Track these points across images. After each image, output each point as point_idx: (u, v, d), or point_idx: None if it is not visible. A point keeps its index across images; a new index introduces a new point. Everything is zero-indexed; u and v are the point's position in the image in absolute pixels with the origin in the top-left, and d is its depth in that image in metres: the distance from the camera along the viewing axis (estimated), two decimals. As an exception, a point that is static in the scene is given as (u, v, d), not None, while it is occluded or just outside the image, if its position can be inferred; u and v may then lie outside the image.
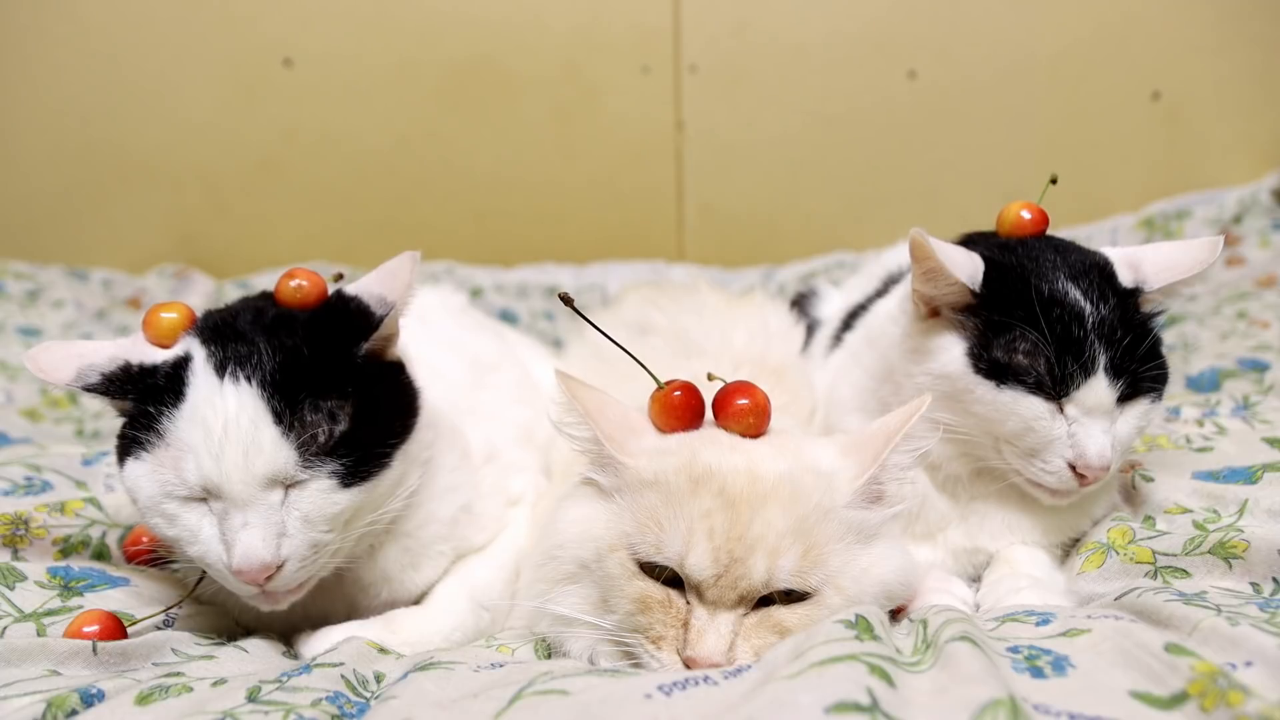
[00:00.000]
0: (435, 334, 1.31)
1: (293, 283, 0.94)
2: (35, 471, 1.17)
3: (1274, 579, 0.88)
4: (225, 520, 0.84)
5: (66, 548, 1.05)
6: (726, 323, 1.38)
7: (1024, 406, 0.95)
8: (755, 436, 0.90)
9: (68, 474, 1.19)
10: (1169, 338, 1.74)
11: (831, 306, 1.54)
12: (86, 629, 0.85)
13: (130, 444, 0.88)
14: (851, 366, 1.19)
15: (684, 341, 1.33)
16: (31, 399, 1.71)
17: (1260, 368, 1.51)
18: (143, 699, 0.72)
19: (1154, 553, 0.95)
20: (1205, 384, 1.51)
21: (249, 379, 0.86)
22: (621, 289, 2.06)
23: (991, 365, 0.96)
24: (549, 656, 0.92)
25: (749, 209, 2.60)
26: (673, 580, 0.82)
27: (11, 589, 0.92)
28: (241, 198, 2.57)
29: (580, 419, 0.89)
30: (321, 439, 0.87)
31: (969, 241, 1.07)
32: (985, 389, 0.96)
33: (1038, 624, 0.79)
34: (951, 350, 0.99)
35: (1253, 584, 0.88)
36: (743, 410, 0.90)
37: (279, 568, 0.85)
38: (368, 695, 0.79)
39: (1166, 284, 1.00)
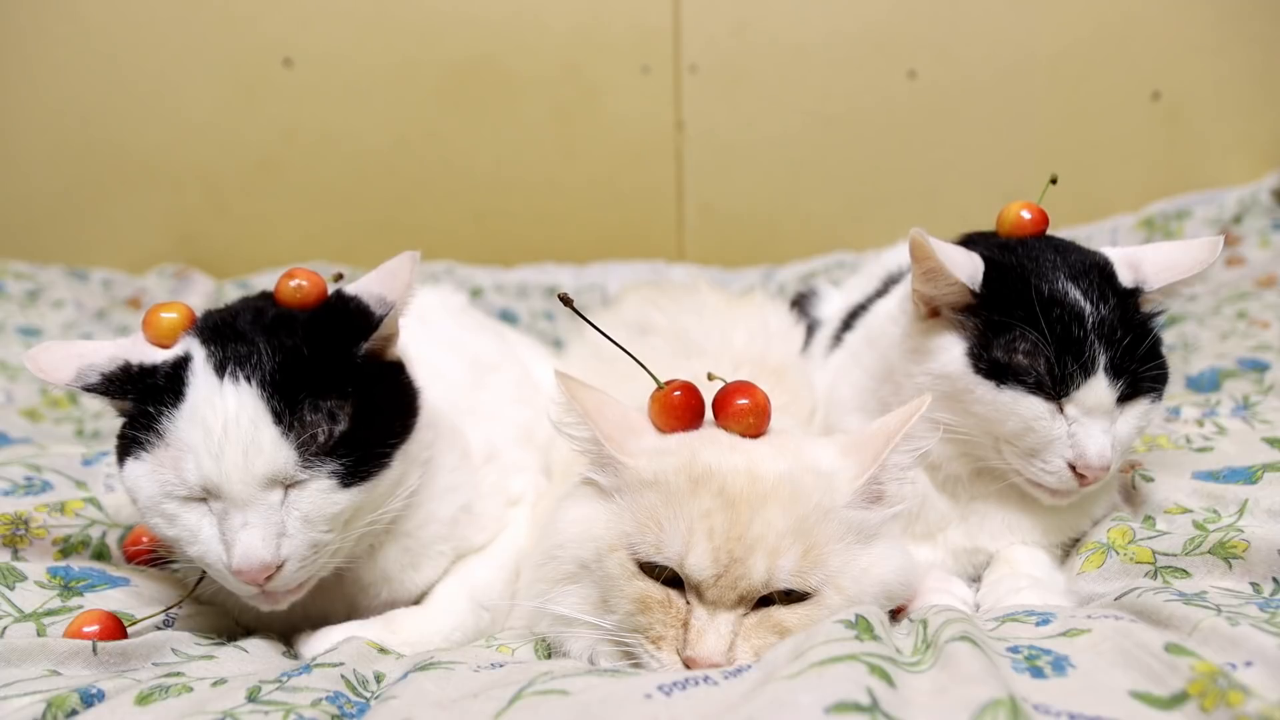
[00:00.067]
0: (435, 334, 1.31)
1: (292, 283, 0.94)
2: (35, 471, 1.17)
3: (1274, 579, 0.88)
4: (225, 520, 0.84)
5: (66, 548, 1.05)
6: (726, 323, 1.38)
7: (1024, 406, 0.95)
8: (755, 436, 0.90)
9: (68, 474, 1.19)
10: (1169, 338, 1.74)
11: (831, 306, 1.54)
12: (86, 629, 0.85)
13: (130, 444, 0.88)
14: (851, 366, 1.19)
15: (684, 341, 1.33)
16: (31, 399, 1.71)
17: (1260, 368, 1.51)
18: (143, 699, 0.72)
19: (1154, 553, 0.95)
20: (1205, 384, 1.51)
21: (249, 379, 0.86)
22: (621, 289, 2.06)
23: (991, 365, 0.96)
24: (549, 656, 0.92)
25: (749, 209, 2.60)
26: (672, 580, 0.82)
27: (11, 589, 0.92)
28: (241, 198, 2.57)
29: (579, 419, 0.89)
30: (321, 439, 0.87)
31: (969, 241, 1.07)
32: (985, 389, 0.96)
33: (1038, 624, 0.79)
34: (951, 350, 0.99)
35: (1253, 584, 0.88)
36: (743, 410, 0.90)
37: (279, 568, 0.85)
38: (368, 695, 0.79)
39: (1166, 284, 1.00)
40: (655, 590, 0.82)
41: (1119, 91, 2.42)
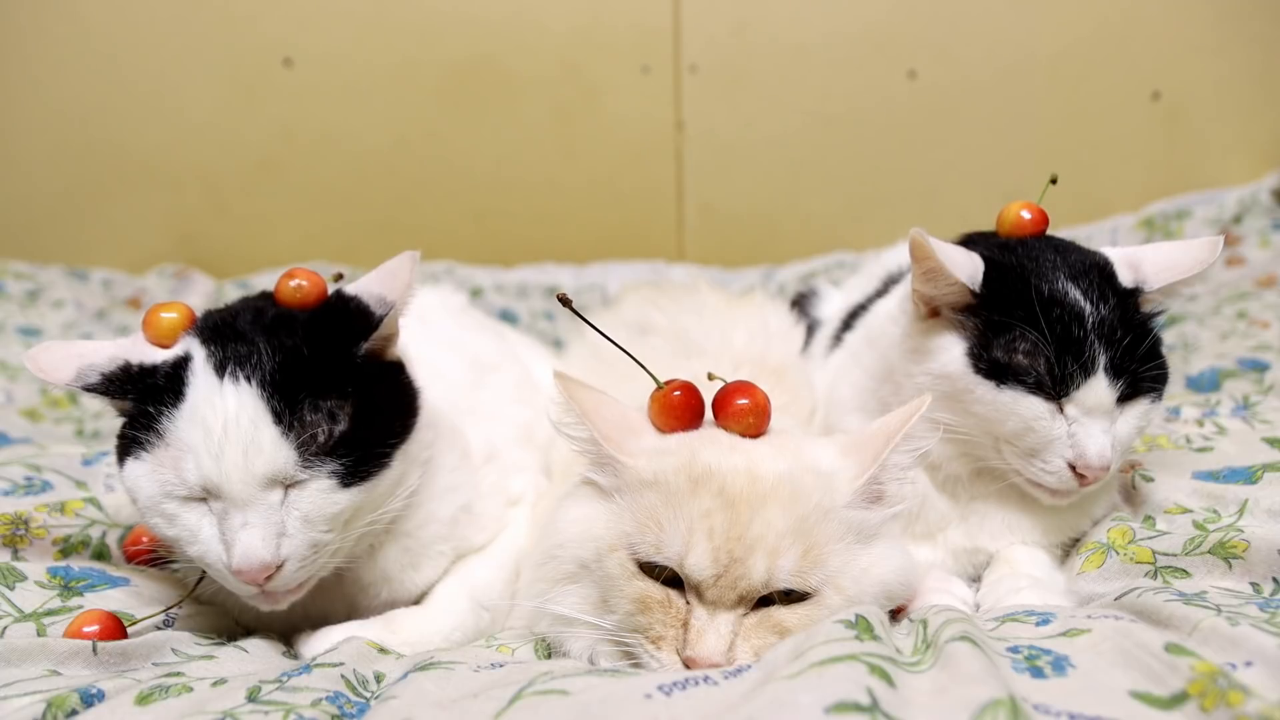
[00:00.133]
0: (435, 334, 1.31)
1: (292, 283, 0.94)
2: (35, 471, 1.17)
3: (1274, 579, 0.88)
4: (225, 520, 0.84)
5: (66, 548, 1.05)
6: (726, 323, 1.38)
7: (1024, 406, 0.95)
8: (755, 436, 0.90)
9: (68, 474, 1.19)
10: (1169, 338, 1.74)
11: (831, 306, 1.54)
12: (86, 629, 0.85)
13: (130, 444, 0.88)
14: (851, 366, 1.19)
15: (684, 341, 1.33)
16: (31, 399, 1.71)
17: (1260, 368, 1.51)
18: (143, 699, 0.72)
19: (1154, 553, 0.95)
20: (1205, 384, 1.51)
21: (249, 379, 0.86)
22: (621, 289, 2.06)
23: (991, 365, 0.96)
24: (549, 656, 0.92)
25: (749, 209, 2.60)
26: (672, 580, 0.82)
27: (11, 589, 0.92)
28: (241, 198, 2.57)
29: (578, 419, 0.89)
30: (321, 439, 0.87)
31: (969, 241, 1.07)
32: (985, 389, 0.96)
33: (1038, 624, 0.79)
34: (951, 350, 0.99)
35: (1253, 584, 0.88)
36: (743, 410, 0.90)
37: (279, 568, 0.85)
38: (368, 695, 0.79)
39: (1166, 284, 1.00)
40: (655, 590, 0.82)
41: (1119, 91, 2.42)
